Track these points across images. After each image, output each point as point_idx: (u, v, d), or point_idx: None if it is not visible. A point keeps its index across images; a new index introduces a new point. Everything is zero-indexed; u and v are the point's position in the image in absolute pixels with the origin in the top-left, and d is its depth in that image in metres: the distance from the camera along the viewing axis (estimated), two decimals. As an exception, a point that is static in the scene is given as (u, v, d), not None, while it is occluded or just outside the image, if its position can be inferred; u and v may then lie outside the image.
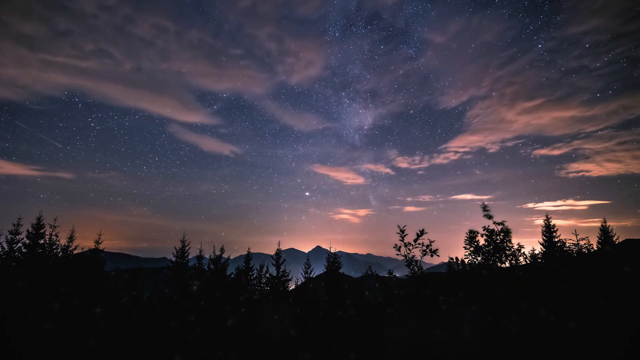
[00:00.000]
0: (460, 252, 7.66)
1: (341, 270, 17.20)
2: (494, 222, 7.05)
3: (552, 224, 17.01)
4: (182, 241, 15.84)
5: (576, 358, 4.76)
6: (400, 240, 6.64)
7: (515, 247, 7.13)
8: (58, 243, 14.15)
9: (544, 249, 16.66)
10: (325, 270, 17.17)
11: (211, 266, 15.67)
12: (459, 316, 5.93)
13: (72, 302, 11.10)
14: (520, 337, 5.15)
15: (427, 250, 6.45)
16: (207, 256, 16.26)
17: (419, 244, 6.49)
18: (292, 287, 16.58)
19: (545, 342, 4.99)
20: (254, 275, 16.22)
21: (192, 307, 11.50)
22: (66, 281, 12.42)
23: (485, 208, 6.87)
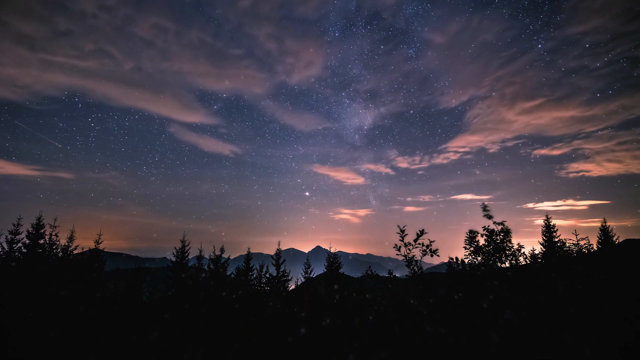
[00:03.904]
0: (460, 252, 7.67)
1: (341, 270, 17.22)
2: (494, 222, 7.05)
3: (552, 224, 17.02)
4: (182, 241, 15.85)
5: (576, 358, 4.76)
6: (400, 240, 6.63)
7: (515, 247, 7.13)
8: (58, 243, 14.16)
9: (544, 249, 16.66)
10: (325, 270, 17.19)
11: (211, 266, 15.68)
12: (458, 319, 5.93)
13: (72, 302, 11.10)
14: (520, 338, 5.15)
15: (427, 250, 6.44)
16: (207, 256, 16.28)
17: (419, 244, 6.48)
18: (292, 287, 16.60)
19: (545, 344, 4.99)
20: (254, 275, 16.22)
21: (192, 308, 11.50)
22: (66, 281, 12.42)
23: (485, 208, 6.87)
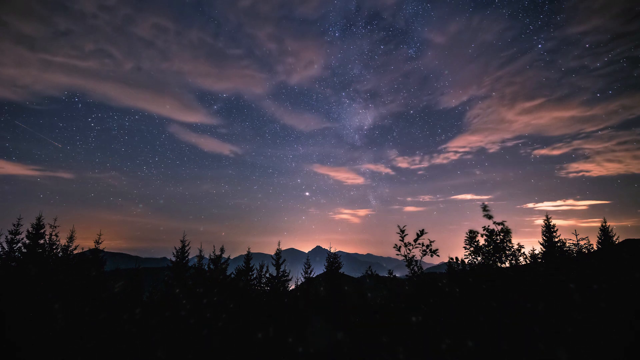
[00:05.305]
0: (460, 252, 7.67)
1: (341, 270, 17.22)
2: (494, 222, 7.05)
3: (552, 224, 17.01)
4: (182, 241, 15.84)
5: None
6: (400, 240, 6.64)
7: (515, 247, 7.12)
8: (58, 243, 14.15)
9: (544, 249, 16.66)
10: (325, 270, 17.19)
11: (211, 266, 15.67)
12: (459, 320, 5.93)
13: (72, 302, 11.09)
14: (519, 339, 5.15)
15: (427, 250, 6.44)
16: (207, 256, 16.27)
17: (419, 244, 6.48)
18: (292, 287, 16.59)
19: (544, 344, 4.99)
20: (254, 275, 16.21)
21: (192, 308, 11.49)
22: (66, 281, 12.41)
23: (485, 208, 6.86)
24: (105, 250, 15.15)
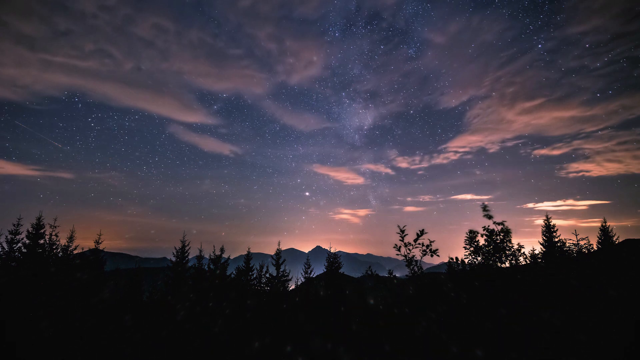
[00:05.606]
0: (460, 252, 7.67)
1: (341, 270, 17.20)
2: (494, 222, 7.06)
3: (552, 224, 17.00)
4: (182, 241, 15.83)
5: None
6: (400, 240, 6.64)
7: (515, 247, 7.13)
8: (58, 243, 14.13)
9: (544, 249, 16.65)
10: (325, 270, 17.17)
11: (211, 266, 15.67)
12: (459, 321, 5.92)
13: (72, 302, 11.09)
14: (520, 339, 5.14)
15: (427, 250, 6.45)
16: (207, 256, 16.27)
17: (419, 244, 6.49)
18: (292, 287, 16.58)
19: (545, 344, 4.98)
20: (254, 275, 16.21)
21: (192, 308, 11.49)
22: (66, 281, 12.41)
23: (485, 208, 6.87)
24: (105, 250, 15.13)
